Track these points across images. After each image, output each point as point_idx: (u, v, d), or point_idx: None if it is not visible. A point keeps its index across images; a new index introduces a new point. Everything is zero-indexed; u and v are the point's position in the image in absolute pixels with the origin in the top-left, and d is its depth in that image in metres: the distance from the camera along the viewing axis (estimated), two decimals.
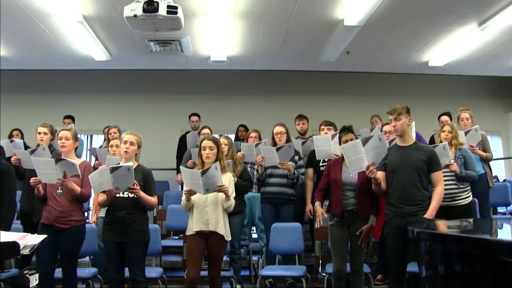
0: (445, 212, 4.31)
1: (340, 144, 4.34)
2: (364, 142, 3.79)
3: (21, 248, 2.22)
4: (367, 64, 8.66)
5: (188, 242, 4.14)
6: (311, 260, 5.50)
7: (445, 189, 4.17)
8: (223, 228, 4.04)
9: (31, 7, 5.90)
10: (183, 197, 4.04)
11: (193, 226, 4.03)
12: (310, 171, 5.45)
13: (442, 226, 3.38)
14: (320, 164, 5.33)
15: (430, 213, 3.82)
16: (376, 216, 4.22)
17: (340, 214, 4.21)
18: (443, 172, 4.23)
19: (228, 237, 4.12)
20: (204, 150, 4.10)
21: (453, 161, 4.77)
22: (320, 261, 5.09)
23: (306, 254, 5.51)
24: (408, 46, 7.60)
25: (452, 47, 7.46)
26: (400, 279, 3.98)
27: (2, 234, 2.67)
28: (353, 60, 8.16)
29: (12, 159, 5.07)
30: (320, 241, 5.11)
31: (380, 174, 3.95)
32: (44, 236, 2.63)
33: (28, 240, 2.35)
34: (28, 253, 2.34)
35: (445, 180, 4.24)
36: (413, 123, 5.30)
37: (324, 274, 4.85)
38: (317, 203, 4.34)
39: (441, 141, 4.94)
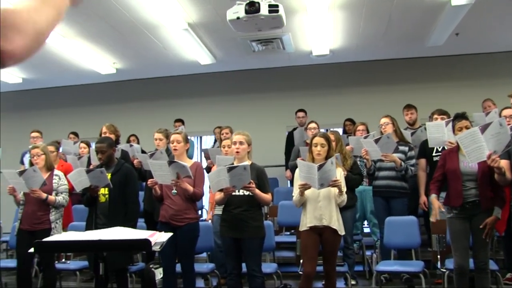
0: None
1: (454, 132, 4.09)
2: (483, 129, 3.51)
3: (152, 244, 2.38)
4: (478, 45, 8.05)
5: (302, 237, 4.14)
6: (427, 255, 5.26)
7: None
8: (336, 223, 4.00)
9: (141, 20, 6.34)
10: (296, 192, 4.04)
11: (307, 221, 4.03)
12: (423, 161, 5.23)
13: None
14: (433, 154, 5.09)
15: None
16: (501, 208, 3.91)
17: (460, 206, 3.97)
18: None
19: (342, 232, 4.06)
20: (316, 147, 4.07)
21: None
22: (439, 256, 4.85)
23: (421, 248, 5.28)
24: None
25: None
26: None
27: (134, 232, 2.89)
28: (463, 42, 7.63)
29: (134, 162, 5.48)
30: (437, 235, 4.86)
31: (504, 163, 3.66)
32: (170, 234, 2.79)
33: (157, 238, 2.52)
34: (159, 249, 2.50)
35: None
36: None
37: (444, 270, 4.60)
38: (433, 196, 4.11)
39: None
